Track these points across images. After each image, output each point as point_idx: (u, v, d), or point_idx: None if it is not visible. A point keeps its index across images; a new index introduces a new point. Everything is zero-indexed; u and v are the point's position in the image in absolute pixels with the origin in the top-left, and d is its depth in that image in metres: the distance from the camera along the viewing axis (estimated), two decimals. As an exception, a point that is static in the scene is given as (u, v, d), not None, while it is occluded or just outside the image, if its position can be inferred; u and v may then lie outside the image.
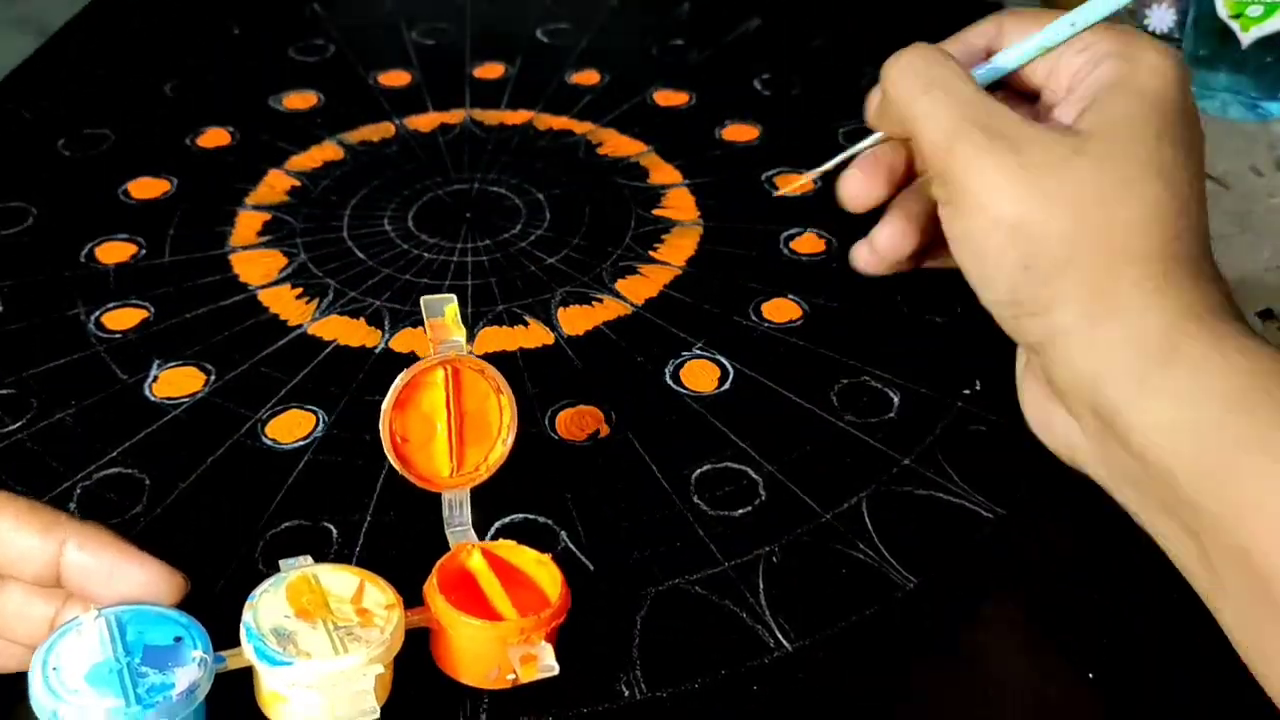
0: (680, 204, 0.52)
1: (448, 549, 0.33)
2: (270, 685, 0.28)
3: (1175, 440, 0.28)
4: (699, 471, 0.38)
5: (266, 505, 0.37)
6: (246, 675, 0.28)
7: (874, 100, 0.34)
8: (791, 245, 0.50)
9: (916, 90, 0.32)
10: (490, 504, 0.37)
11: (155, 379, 0.42)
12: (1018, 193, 0.30)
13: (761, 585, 0.34)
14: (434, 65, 0.63)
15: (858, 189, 0.35)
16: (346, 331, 0.45)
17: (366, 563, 0.35)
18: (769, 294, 0.47)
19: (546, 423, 0.41)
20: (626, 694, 0.31)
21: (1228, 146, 0.56)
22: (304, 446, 0.40)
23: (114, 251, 0.49)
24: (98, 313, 0.46)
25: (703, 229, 0.51)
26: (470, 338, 0.44)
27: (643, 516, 0.37)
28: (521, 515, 0.37)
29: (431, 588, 0.31)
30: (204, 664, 0.27)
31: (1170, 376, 0.28)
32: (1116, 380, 0.29)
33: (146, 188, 0.53)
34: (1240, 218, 0.52)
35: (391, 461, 0.32)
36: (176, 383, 0.42)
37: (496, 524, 0.37)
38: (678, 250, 0.49)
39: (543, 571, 0.32)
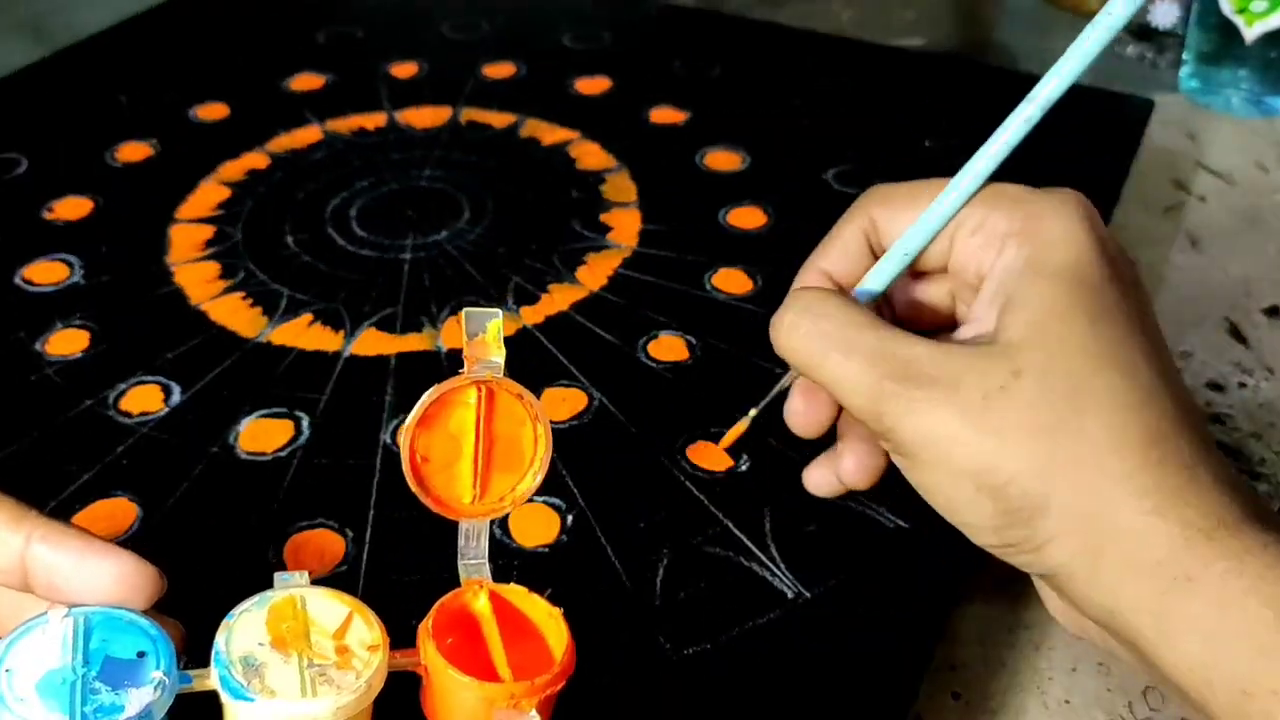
0: (619, 187, 0.53)
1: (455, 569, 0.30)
2: (232, 713, 0.26)
3: (1207, 681, 0.25)
4: (683, 440, 0.39)
5: (265, 511, 0.37)
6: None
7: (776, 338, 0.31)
8: (729, 219, 0.51)
9: (814, 357, 0.29)
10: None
11: (118, 397, 0.41)
12: (967, 439, 0.27)
13: (770, 540, 0.36)
14: (346, 66, 0.63)
15: (803, 420, 0.33)
16: (306, 337, 0.44)
17: (379, 560, 0.35)
18: (717, 266, 0.48)
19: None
20: (662, 651, 0.32)
21: (1232, 143, 0.57)
22: (289, 453, 0.39)
23: (46, 272, 0.48)
24: (42, 337, 0.44)
25: (642, 210, 0.52)
26: (441, 333, 0.44)
27: (642, 485, 0.38)
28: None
29: (425, 631, 0.28)
30: (162, 687, 0.25)
31: (1192, 613, 0.25)
32: (1135, 615, 0.26)
33: (71, 207, 0.52)
34: (1246, 214, 0.52)
35: (409, 483, 0.29)
36: (139, 400, 0.41)
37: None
38: (623, 232, 0.50)
39: (551, 626, 0.29)
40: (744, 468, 0.38)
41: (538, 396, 0.40)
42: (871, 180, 0.52)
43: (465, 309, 0.30)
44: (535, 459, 0.30)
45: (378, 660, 0.27)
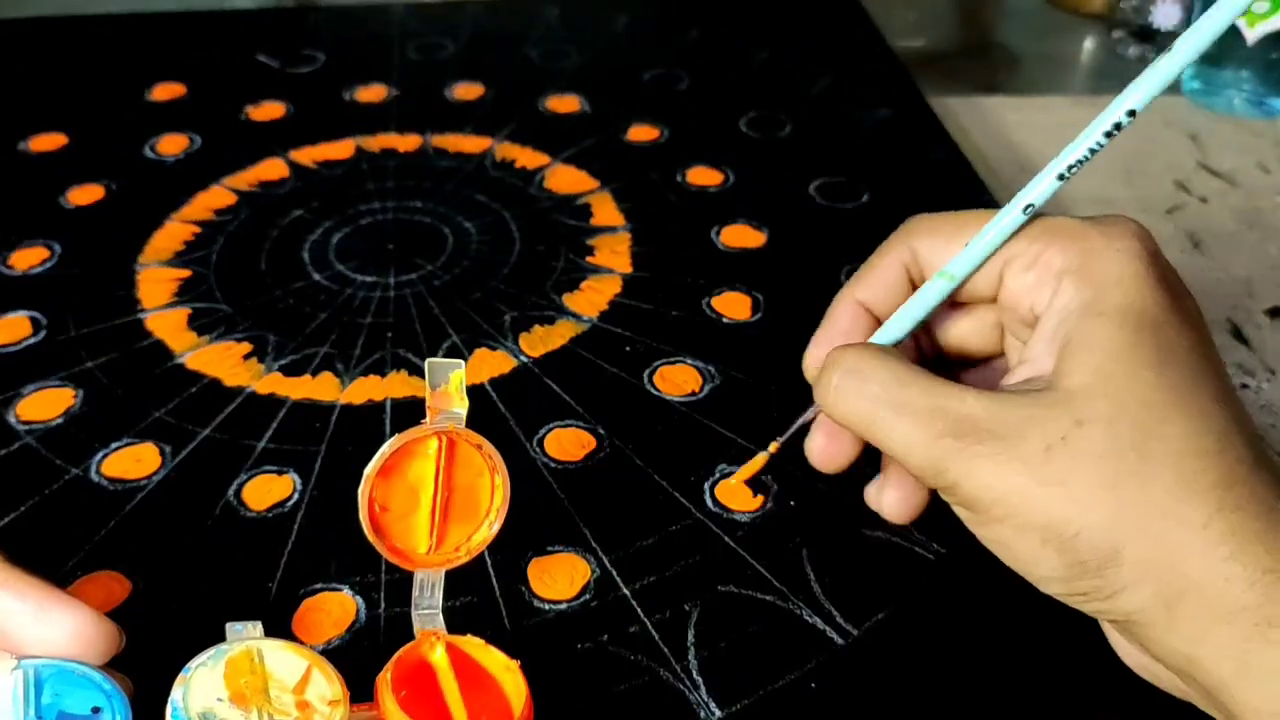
0: (604, 209, 0.52)
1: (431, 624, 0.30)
2: None
3: None
4: (710, 477, 0.38)
5: (270, 575, 0.35)
6: None
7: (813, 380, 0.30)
8: (722, 239, 0.50)
9: (865, 419, 0.28)
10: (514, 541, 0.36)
11: (102, 462, 0.39)
12: (1030, 493, 0.26)
13: (812, 576, 0.35)
14: (309, 93, 0.61)
15: (824, 456, 0.32)
16: (298, 386, 0.42)
17: (393, 622, 0.34)
18: (717, 289, 0.47)
19: (536, 447, 0.40)
20: (702, 715, 0.31)
21: (1234, 144, 0.56)
22: (290, 511, 0.37)
23: (9, 329, 0.45)
24: (14, 402, 0.42)
25: (631, 233, 0.50)
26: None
27: (664, 529, 0.37)
28: (554, 548, 0.36)
29: (384, 683, 0.28)
30: None
31: (1272, 657, 0.24)
32: (1214, 662, 0.25)
33: (26, 257, 0.49)
34: (1247, 215, 0.52)
35: (366, 532, 0.29)
36: (127, 464, 0.39)
37: (529, 555, 0.36)
38: (615, 256, 0.49)
39: (509, 679, 0.29)
40: (770, 506, 0.37)
41: (543, 438, 0.40)
42: (859, 193, 0.52)
43: (428, 359, 0.30)
44: (492, 509, 0.31)
45: (339, 716, 0.26)
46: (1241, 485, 0.25)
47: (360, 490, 0.29)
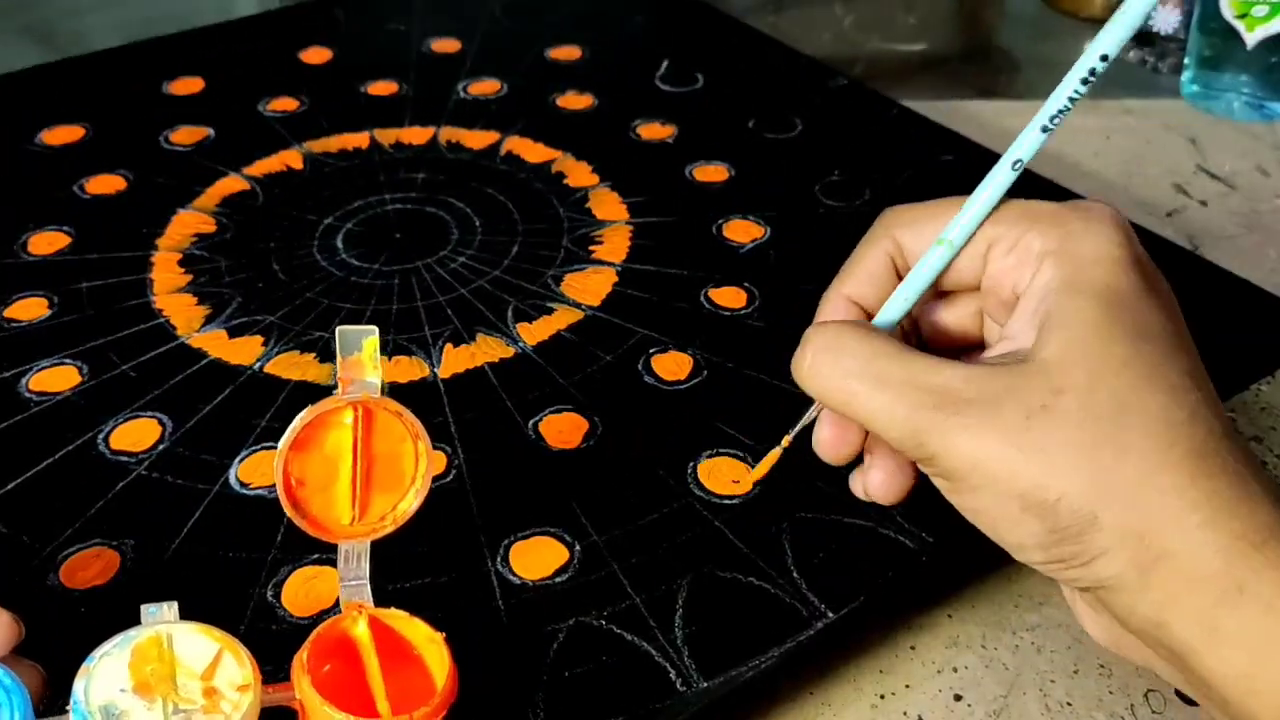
0: (607, 204, 0.53)
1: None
2: None
3: (1253, 691, 0.25)
4: (697, 462, 0.39)
5: (267, 551, 0.36)
6: None
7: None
8: (725, 232, 0.51)
9: (842, 395, 0.29)
10: (502, 520, 0.36)
11: (109, 434, 0.40)
12: (1010, 460, 0.26)
13: (791, 558, 0.35)
14: (324, 88, 0.62)
15: (832, 449, 0.32)
16: (299, 368, 0.43)
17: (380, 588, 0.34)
18: (716, 282, 0.47)
19: (531, 431, 0.40)
20: (680, 686, 0.32)
21: (1234, 147, 0.57)
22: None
23: (26, 309, 0.46)
24: (27, 375, 0.43)
25: (632, 226, 0.51)
26: (438, 359, 0.44)
27: (651, 512, 0.37)
28: (537, 529, 0.37)
29: (299, 664, 0.27)
30: None
31: (1242, 621, 0.25)
32: (1184, 626, 0.26)
33: (44, 242, 0.50)
34: (1247, 218, 0.53)
35: (284, 507, 0.29)
36: (133, 437, 0.40)
37: (511, 537, 0.36)
38: (615, 249, 0.50)
39: (433, 651, 0.29)
40: (755, 492, 0.38)
41: (538, 422, 0.40)
42: (860, 193, 0.52)
43: (339, 328, 0.30)
44: (417, 477, 0.30)
45: (247, 702, 0.26)
46: (1214, 455, 0.26)
47: (275, 466, 0.28)
